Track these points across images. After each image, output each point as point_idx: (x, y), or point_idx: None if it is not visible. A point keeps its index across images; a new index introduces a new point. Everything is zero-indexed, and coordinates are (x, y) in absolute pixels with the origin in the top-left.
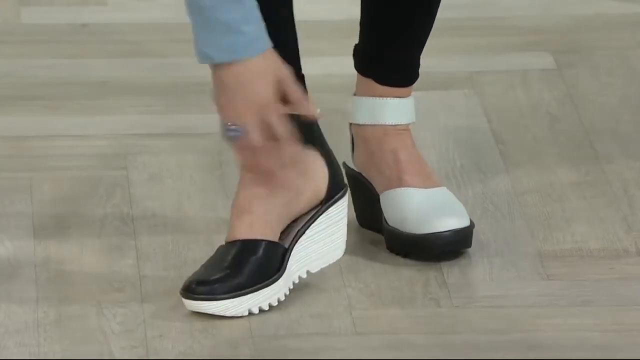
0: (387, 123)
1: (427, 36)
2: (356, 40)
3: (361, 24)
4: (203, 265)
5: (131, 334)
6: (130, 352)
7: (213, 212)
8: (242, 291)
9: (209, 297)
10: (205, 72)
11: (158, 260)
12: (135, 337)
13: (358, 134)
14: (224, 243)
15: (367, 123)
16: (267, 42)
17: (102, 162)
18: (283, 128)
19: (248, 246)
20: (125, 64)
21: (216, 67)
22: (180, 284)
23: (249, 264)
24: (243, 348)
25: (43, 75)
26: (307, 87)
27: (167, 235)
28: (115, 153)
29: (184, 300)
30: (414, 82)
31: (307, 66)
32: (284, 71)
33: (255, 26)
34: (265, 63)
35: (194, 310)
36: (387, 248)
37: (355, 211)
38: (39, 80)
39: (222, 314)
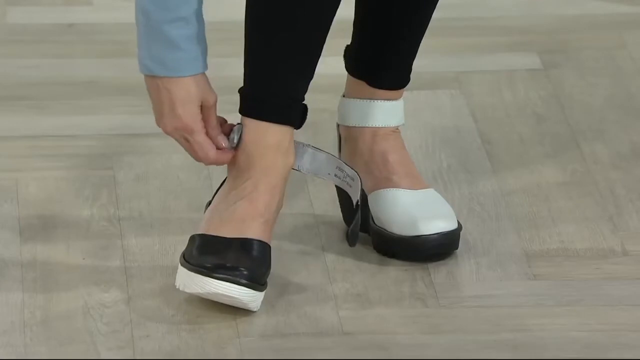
0: (377, 125)
1: (421, 40)
2: (345, 41)
3: (354, 25)
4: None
5: (118, 334)
6: (117, 353)
7: (200, 212)
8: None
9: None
10: None
11: (145, 260)
12: (122, 338)
13: (347, 135)
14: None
15: (357, 125)
16: (203, 66)
17: (89, 162)
18: (203, 149)
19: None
20: (112, 64)
21: (153, 77)
22: (167, 284)
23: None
24: (230, 348)
25: (29, 75)
26: None
27: (154, 236)
28: (102, 153)
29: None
30: (405, 85)
31: None
32: (210, 99)
33: (196, 47)
34: (196, 86)
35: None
36: (374, 248)
37: (342, 211)
38: (25, 80)
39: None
